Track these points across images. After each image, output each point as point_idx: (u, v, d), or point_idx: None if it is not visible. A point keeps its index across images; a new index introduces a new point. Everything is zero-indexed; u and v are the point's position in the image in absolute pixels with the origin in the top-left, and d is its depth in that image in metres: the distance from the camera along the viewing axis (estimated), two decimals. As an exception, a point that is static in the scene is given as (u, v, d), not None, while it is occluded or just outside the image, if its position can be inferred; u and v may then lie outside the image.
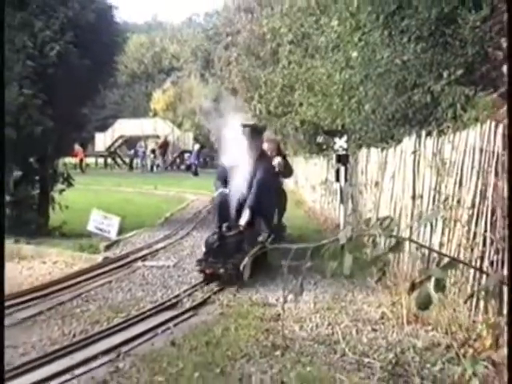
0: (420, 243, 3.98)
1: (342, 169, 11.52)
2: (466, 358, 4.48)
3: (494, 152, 6.01)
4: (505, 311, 5.33)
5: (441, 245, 6.90)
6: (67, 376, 5.00)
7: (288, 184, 24.94)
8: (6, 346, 5.89)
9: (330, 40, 17.06)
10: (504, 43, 8.48)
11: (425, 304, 2.92)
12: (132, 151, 58.06)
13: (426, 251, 7.18)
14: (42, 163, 15.37)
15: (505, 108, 7.43)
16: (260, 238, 10.55)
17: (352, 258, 2.91)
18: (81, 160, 46.93)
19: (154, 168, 53.93)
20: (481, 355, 4.42)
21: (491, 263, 5.86)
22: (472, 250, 6.19)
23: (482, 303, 5.87)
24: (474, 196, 6.28)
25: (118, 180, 33.18)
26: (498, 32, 9.67)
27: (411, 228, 7.94)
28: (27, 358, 5.53)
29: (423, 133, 8.43)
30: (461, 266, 6.17)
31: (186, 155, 53.25)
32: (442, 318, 5.65)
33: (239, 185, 10.53)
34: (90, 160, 55.90)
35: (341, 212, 11.87)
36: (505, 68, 7.50)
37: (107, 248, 11.30)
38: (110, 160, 58.94)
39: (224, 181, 10.92)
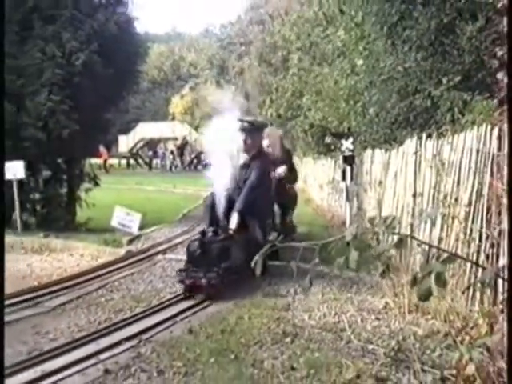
0: (420, 240, 3.99)
1: (348, 169, 11.52)
2: (462, 344, 4.49)
3: (489, 153, 6.01)
4: (499, 301, 5.35)
5: (440, 239, 6.91)
6: (93, 360, 5.02)
7: (297, 183, 24.94)
8: (39, 332, 5.95)
9: (336, 48, 17.07)
10: (499, 52, 8.47)
11: (425, 296, 2.94)
12: (150, 153, 58.21)
13: (427, 246, 7.20)
14: (70, 164, 15.43)
15: (499, 112, 7.45)
16: (270, 237, 10.03)
17: (357, 253, 2.93)
18: (105, 161, 46.98)
19: (173, 168, 54.04)
20: (476, 342, 4.42)
21: (487, 256, 5.88)
22: (469, 244, 6.20)
23: (478, 294, 5.89)
24: (471, 194, 6.29)
25: (139, 179, 33.25)
26: (493, 42, 9.71)
27: (412, 225, 7.94)
28: (57, 343, 5.55)
29: (424, 135, 8.43)
30: (459, 259, 6.19)
31: (203, 156, 53.33)
32: (441, 308, 5.65)
33: (232, 185, 9.14)
34: (114, 161, 55.95)
35: (347, 209, 11.87)
36: (499, 75, 7.49)
37: (129, 242, 11.32)
38: (131, 161, 59.08)
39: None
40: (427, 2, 10.60)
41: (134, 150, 58.99)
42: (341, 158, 12.03)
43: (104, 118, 16.31)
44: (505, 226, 5.52)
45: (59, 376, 4.71)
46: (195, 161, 55.70)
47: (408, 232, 7.68)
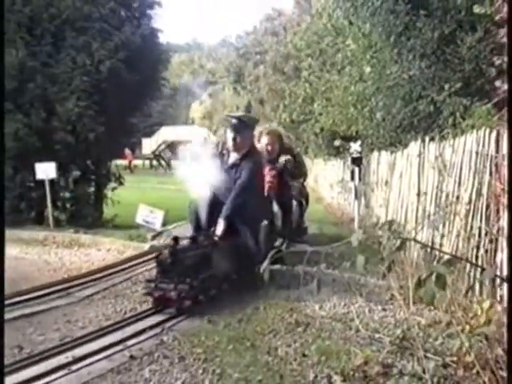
0: (423, 243, 4.01)
1: (356, 169, 11.52)
2: (463, 333, 4.49)
3: (488, 155, 6.01)
4: (497, 293, 5.35)
5: (442, 236, 6.91)
6: (119, 347, 5.05)
7: (309, 183, 24.94)
8: (70, 320, 5.98)
9: (345, 57, 17.06)
10: (497, 61, 8.49)
11: (430, 298, 2.95)
12: (169, 154, 58.35)
13: (431, 240, 7.20)
14: (97, 165, 15.50)
15: (497, 116, 7.44)
16: (277, 243, 8.84)
17: (364, 257, 2.95)
18: (130, 162, 47.12)
19: (193, 168, 54.12)
20: (476, 331, 4.42)
21: (486, 251, 5.88)
22: (469, 239, 6.20)
23: (477, 287, 5.89)
24: (471, 193, 6.29)
25: (161, 179, 33.27)
26: (491, 51, 9.75)
27: (416, 225, 7.96)
28: (86, 330, 5.59)
29: (427, 138, 8.46)
30: (460, 254, 6.19)
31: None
32: (443, 299, 5.65)
33: (219, 188, 7.80)
34: (138, 162, 56.13)
35: (355, 207, 11.86)
36: (497, 82, 7.50)
37: (153, 238, 11.32)
38: (154, 162, 59.22)
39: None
40: (430, 14, 10.62)
41: (157, 152, 59.17)
42: (349, 159, 12.04)
43: (129, 123, 16.39)
44: (503, 223, 5.52)
45: (88, 361, 4.74)
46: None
47: (413, 230, 7.69)
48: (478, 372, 4.01)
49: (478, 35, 10.02)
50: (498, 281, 5.33)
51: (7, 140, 13.88)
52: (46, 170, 13.10)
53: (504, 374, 3.68)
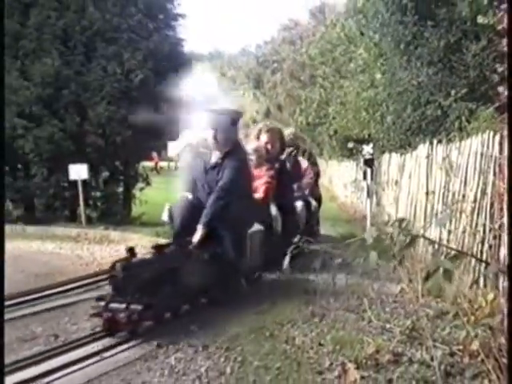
0: (431, 239, 3.99)
1: (369, 170, 11.48)
2: (469, 323, 4.48)
3: (492, 156, 6.00)
4: (500, 286, 5.34)
5: (449, 232, 6.90)
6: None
7: (323, 182, 24.92)
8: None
9: (357, 65, 17.05)
10: (499, 68, 8.46)
11: (437, 291, 2.96)
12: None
13: (438, 236, 7.18)
14: (126, 166, 15.63)
15: (499, 120, 7.42)
16: (295, 239, 8.83)
17: (376, 253, 2.95)
18: (156, 163, 47.19)
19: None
20: (481, 322, 4.43)
21: (490, 246, 5.88)
22: (474, 236, 6.20)
23: (482, 280, 5.88)
24: (476, 192, 6.28)
25: (186, 179, 33.31)
26: (494, 59, 9.80)
27: (425, 222, 7.95)
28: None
29: (435, 141, 8.45)
30: (465, 249, 6.18)
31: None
32: (450, 292, 5.64)
33: (202, 190, 6.89)
34: (164, 163, 56.20)
35: (367, 205, 11.82)
36: (500, 88, 7.47)
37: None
38: (179, 163, 59.26)
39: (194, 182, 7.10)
40: (436, 24, 10.65)
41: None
42: (362, 160, 12.01)
43: (155, 127, 16.45)
44: (505, 220, 5.51)
45: (119, 349, 4.77)
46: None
47: (421, 228, 7.68)
48: (482, 360, 4.01)
49: (482, 44, 10.07)
50: (500, 276, 5.32)
51: (43, 143, 13.99)
52: (78, 171, 13.20)
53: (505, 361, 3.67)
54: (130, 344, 4.91)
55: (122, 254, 9.73)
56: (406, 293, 6.18)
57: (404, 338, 4.73)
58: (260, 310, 5.86)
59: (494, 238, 5.82)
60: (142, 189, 15.77)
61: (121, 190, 15.86)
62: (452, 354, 4.34)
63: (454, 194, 7.03)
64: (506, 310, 3.73)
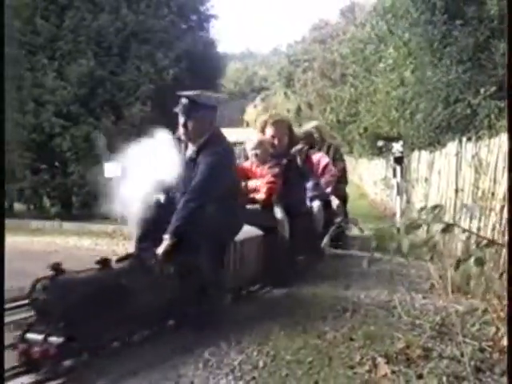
0: (464, 228, 3.98)
1: (398, 168, 11.46)
2: (498, 320, 4.46)
3: (521, 154, 5.96)
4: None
5: (478, 229, 6.86)
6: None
7: (354, 180, 24.87)
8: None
9: (387, 63, 16.98)
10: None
11: (466, 278, 2.96)
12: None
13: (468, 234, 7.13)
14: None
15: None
16: (338, 219, 7.95)
17: (408, 240, 2.95)
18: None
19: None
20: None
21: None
22: (503, 233, 6.15)
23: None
24: (505, 190, 6.23)
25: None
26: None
27: (454, 216, 7.91)
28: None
29: (464, 138, 8.40)
30: (495, 245, 6.13)
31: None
32: (480, 288, 5.62)
33: (176, 190, 5.58)
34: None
35: (397, 202, 11.79)
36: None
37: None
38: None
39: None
40: (465, 23, 10.57)
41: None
42: (392, 158, 11.98)
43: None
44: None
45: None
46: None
47: (452, 221, 7.64)
48: (512, 356, 3.99)
49: (511, 42, 9.98)
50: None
51: (80, 142, 14.12)
52: (113, 170, 13.29)
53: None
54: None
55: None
56: (435, 289, 6.15)
57: (434, 334, 4.72)
58: (292, 304, 5.87)
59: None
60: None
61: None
62: (482, 350, 4.32)
63: (483, 192, 6.98)
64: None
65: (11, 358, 3.86)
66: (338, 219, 8.73)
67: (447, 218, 7.80)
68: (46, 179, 14.79)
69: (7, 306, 4.89)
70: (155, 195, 5.47)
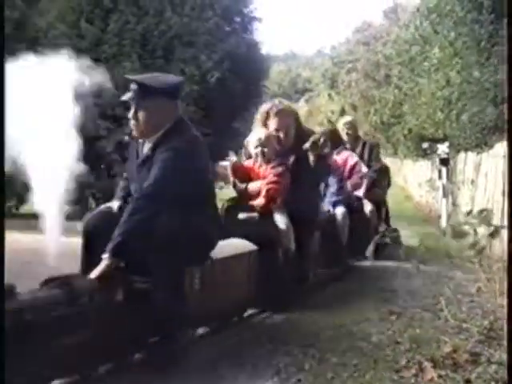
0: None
1: (444, 169, 11.37)
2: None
3: None
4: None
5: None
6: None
7: (398, 182, 24.70)
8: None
9: (431, 63, 16.83)
10: None
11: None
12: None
13: None
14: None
15: None
16: (381, 228, 7.72)
17: (455, 242, 2.91)
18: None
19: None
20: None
21: None
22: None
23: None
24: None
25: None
26: None
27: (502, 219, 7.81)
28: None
29: (512, 140, 8.27)
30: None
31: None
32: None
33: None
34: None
35: (443, 205, 11.69)
36: None
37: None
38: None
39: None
40: (512, 23, 10.41)
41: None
42: (437, 159, 11.88)
43: (233, 127, 16.59)
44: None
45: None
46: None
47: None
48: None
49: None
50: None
51: (124, 144, 14.25)
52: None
53: None
54: None
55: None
56: (483, 292, 6.07)
57: (482, 338, 4.65)
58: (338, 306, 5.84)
59: None
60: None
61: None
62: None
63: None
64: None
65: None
66: (381, 227, 8.61)
67: (495, 222, 7.72)
68: (92, 181, 14.97)
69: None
70: (107, 203, 4.68)
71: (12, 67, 3.78)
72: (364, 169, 8.60)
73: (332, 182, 7.67)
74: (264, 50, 17.41)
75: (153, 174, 4.16)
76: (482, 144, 11.19)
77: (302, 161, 6.20)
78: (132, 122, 4.42)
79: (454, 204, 12.57)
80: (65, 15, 15.23)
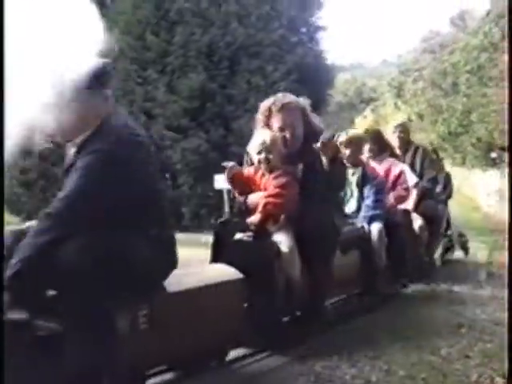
0: None
1: (514, 179, 11.11)
2: None
3: None
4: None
5: None
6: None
7: (466, 192, 24.29)
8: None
9: (501, 70, 16.55)
10: None
11: None
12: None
13: None
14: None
15: None
16: (449, 232, 7.02)
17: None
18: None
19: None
20: None
21: None
22: None
23: None
24: None
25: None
26: None
27: None
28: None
29: None
30: None
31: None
32: None
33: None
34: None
35: (513, 215, 11.43)
36: None
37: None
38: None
39: None
40: None
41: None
42: (507, 168, 11.64)
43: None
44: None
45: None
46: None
47: None
48: None
49: None
50: None
51: (190, 154, 14.40)
52: (223, 181, 13.43)
53: None
54: None
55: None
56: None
57: (556, 353, 4.51)
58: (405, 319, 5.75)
59: None
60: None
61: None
62: None
63: None
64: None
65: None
66: (450, 231, 8.23)
67: None
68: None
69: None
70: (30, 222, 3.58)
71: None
72: (412, 179, 7.69)
73: (369, 193, 6.51)
74: (329, 59, 17.40)
75: (68, 184, 3.20)
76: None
77: (312, 166, 5.05)
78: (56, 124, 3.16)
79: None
80: (131, 28, 15.47)
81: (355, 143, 6.70)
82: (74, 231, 3.06)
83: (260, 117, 5.24)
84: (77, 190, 3.13)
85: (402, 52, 70.77)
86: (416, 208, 7.73)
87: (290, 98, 5.25)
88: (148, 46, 15.44)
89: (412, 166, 8.02)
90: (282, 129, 5.03)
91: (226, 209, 13.50)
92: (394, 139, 8.26)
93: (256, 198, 4.90)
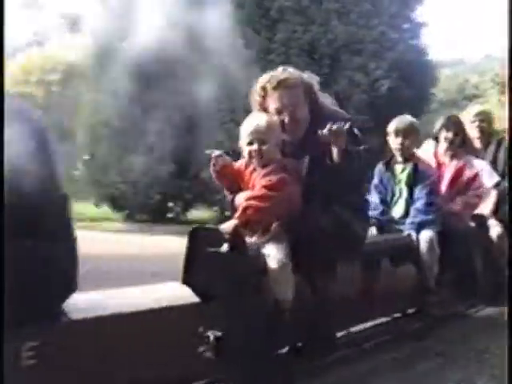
0: None
1: None
2: None
3: None
4: None
5: None
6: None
7: None
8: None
9: None
10: None
11: None
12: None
13: None
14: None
15: None
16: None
17: None
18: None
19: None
20: None
21: None
22: None
23: None
24: None
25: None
26: None
27: None
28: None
29: None
30: None
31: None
32: None
33: None
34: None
35: None
36: None
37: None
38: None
39: None
40: None
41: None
42: None
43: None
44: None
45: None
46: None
47: None
48: None
49: None
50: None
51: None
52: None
53: None
54: None
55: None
56: None
57: None
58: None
59: None
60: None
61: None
62: None
63: None
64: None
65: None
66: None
67: None
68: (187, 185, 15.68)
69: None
70: None
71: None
72: (493, 178, 6.41)
73: (420, 194, 5.26)
74: (430, 55, 17.12)
75: None
76: None
77: (319, 160, 3.82)
78: None
79: None
80: (233, 26, 15.66)
81: (415, 133, 5.59)
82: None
83: (255, 97, 4.08)
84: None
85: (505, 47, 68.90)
86: (495, 212, 6.34)
87: (289, 72, 4.12)
88: (250, 44, 15.62)
89: (494, 162, 6.74)
90: (279, 111, 3.93)
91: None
92: (472, 130, 6.87)
93: (242, 198, 3.74)
